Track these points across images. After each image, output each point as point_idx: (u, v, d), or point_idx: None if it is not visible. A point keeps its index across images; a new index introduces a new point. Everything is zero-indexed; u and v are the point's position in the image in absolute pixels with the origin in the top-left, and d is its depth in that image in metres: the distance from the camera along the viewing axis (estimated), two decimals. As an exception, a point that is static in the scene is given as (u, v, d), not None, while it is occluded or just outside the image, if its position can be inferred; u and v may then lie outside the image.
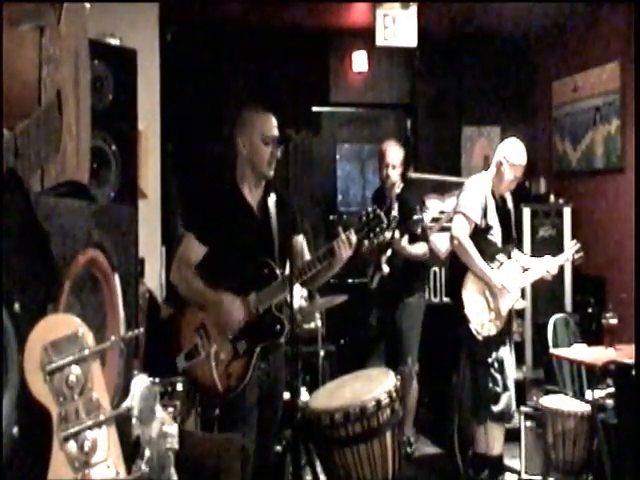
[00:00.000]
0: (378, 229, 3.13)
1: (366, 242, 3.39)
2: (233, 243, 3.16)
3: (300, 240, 3.38)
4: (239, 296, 3.15)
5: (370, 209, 3.17)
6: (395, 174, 5.02)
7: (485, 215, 4.29)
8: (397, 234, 4.60)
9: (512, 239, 4.48)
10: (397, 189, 5.05)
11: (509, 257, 4.39)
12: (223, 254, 3.17)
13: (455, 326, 4.42)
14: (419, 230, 4.75)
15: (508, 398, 4.31)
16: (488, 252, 4.28)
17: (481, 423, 4.36)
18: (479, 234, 4.28)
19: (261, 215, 3.26)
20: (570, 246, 4.77)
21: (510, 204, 4.51)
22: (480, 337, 4.21)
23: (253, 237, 3.21)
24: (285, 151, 3.10)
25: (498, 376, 4.28)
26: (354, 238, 3.12)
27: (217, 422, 3.21)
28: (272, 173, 3.22)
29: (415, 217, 4.50)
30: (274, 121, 3.24)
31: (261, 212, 3.27)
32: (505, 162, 4.31)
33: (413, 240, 4.86)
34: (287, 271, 3.12)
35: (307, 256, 3.35)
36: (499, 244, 4.35)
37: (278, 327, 3.14)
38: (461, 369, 4.75)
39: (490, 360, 4.27)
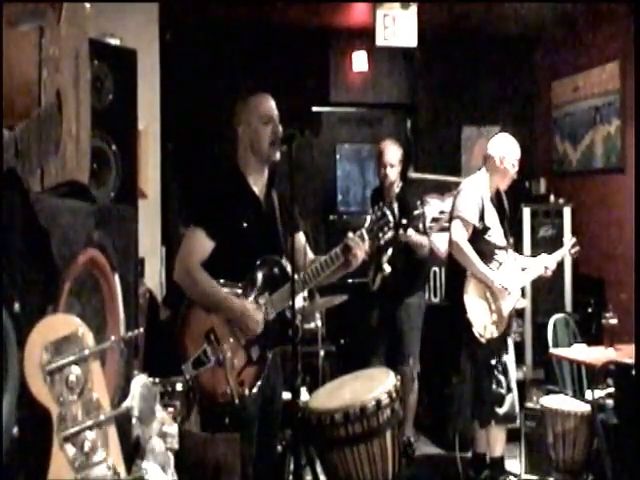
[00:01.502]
0: (386, 227, 3.09)
1: (375, 241, 3.34)
2: (241, 236, 3.05)
3: (301, 237, 3.30)
4: (247, 295, 3.06)
5: (377, 207, 3.12)
6: (393, 173, 5.01)
7: (482, 216, 4.30)
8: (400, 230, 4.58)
9: (509, 238, 4.48)
10: (396, 189, 5.04)
11: (507, 256, 4.39)
12: (231, 249, 3.03)
13: (456, 329, 4.42)
14: (420, 225, 4.74)
15: (512, 400, 4.30)
16: (487, 253, 4.28)
17: (485, 426, 4.35)
18: (477, 236, 4.28)
19: (267, 207, 3.17)
20: (567, 241, 4.78)
21: (505, 202, 4.52)
22: (483, 340, 4.20)
23: (261, 230, 3.11)
24: (288, 151, 3.02)
25: (502, 378, 4.28)
26: (366, 236, 3.07)
27: (219, 425, 3.14)
28: (278, 156, 3.10)
29: (416, 212, 4.49)
30: (271, 100, 3.17)
31: (267, 204, 3.17)
32: (509, 159, 4.33)
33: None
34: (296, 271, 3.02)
35: (310, 254, 3.32)
36: (497, 244, 4.35)
37: (291, 331, 2.97)
38: (462, 371, 4.74)
39: (494, 362, 4.27)
